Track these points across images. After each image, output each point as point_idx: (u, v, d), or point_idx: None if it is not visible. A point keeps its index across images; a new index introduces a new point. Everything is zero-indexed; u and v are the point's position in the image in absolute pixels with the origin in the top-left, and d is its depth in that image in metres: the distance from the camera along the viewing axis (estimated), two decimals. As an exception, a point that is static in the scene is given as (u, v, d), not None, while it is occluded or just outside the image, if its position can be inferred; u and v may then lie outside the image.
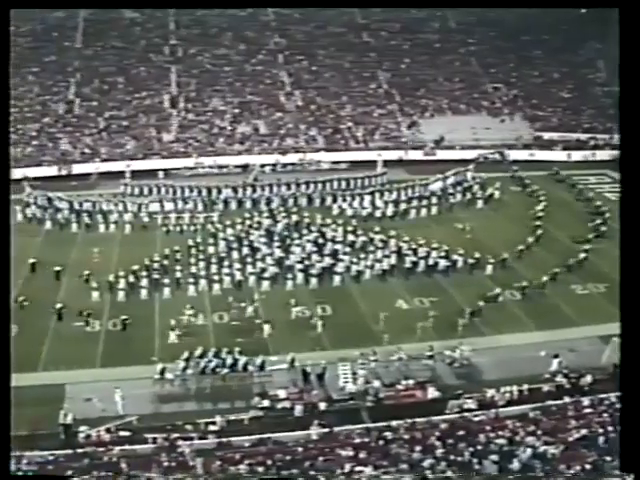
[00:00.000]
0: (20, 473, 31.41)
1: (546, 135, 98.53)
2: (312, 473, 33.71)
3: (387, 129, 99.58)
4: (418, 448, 35.75)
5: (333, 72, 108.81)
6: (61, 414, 40.24)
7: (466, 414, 40.85)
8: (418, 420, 39.32)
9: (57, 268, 59.70)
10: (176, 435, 38.52)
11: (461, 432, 37.58)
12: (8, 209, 25.48)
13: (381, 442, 37.06)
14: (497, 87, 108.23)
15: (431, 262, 60.61)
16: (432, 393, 43.60)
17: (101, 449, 37.23)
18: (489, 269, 59.77)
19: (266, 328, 50.60)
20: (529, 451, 35.23)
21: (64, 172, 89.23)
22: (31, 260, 61.04)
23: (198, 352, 46.45)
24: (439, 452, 35.35)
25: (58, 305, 53.23)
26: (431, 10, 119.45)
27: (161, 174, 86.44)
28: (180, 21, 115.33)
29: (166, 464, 35.08)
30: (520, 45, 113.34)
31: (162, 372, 44.73)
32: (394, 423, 38.97)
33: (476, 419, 40.09)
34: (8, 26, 28.23)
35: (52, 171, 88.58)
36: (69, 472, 33.91)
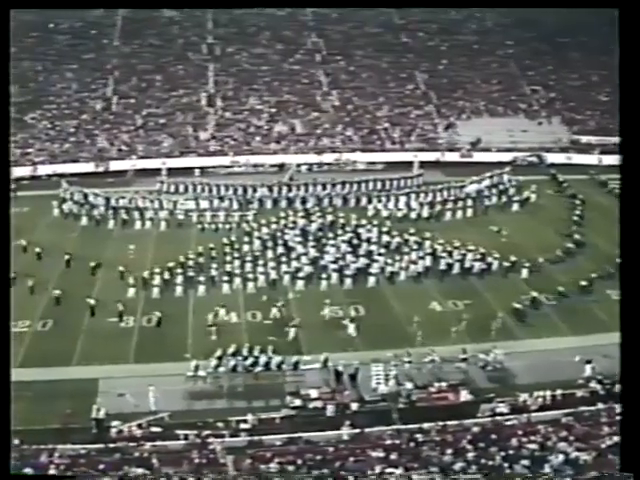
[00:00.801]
0: (20, 473, 31.41)
1: (584, 138, 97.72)
2: (342, 473, 33.62)
3: (424, 130, 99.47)
4: (449, 451, 35.54)
5: (370, 72, 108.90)
6: (94, 409, 40.42)
7: (498, 418, 40.51)
8: (450, 423, 39.06)
9: (92, 264, 60.08)
10: (207, 432, 38.54)
11: (493, 436, 37.31)
12: (8, 209, 25.48)
13: (412, 444, 36.88)
14: (535, 89, 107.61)
15: (466, 265, 60.24)
16: (464, 396, 43.29)
17: (132, 444, 37.30)
18: (524, 273, 59.29)
19: (294, 329, 50.58)
20: (561, 457, 34.90)
21: (101, 169, 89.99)
22: (67, 255, 61.45)
23: (231, 350, 46.51)
24: (470, 455, 35.13)
25: (92, 300, 53.53)
26: (469, 11, 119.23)
27: (197, 172, 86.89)
28: (218, 20, 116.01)
29: (197, 461, 35.13)
30: (558, 47, 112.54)
31: (195, 369, 44.83)
32: (425, 425, 38.73)
33: (508, 423, 39.77)
34: (8, 26, 28.33)
35: (89, 167, 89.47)
36: (100, 466, 34.06)
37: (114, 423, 39.69)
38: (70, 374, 45.53)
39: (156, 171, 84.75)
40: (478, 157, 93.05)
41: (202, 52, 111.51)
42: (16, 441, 36.54)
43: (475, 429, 38.53)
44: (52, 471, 33.33)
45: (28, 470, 32.82)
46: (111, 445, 37.23)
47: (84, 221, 72.18)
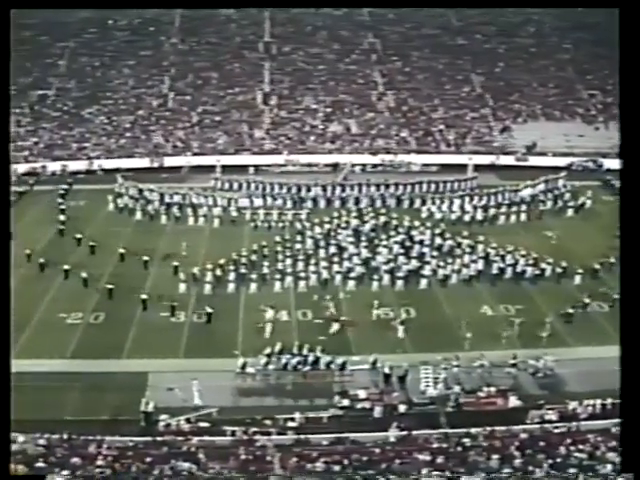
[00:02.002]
0: (20, 473, 31.69)
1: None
2: (388, 475, 33.54)
3: (479, 133, 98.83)
4: (496, 456, 35.32)
5: (426, 74, 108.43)
6: (143, 402, 40.77)
7: (547, 425, 40.17)
8: (498, 428, 38.81)
9: (145, 258, 60.63)
10: (255, 429, 38.70)
11: (541, 443, 37.00)
12: (8, 207, 25.75)
13: (459, 448, 36.71)
14: (592, 94, 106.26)
15: (519, 269, 59.73)
16: (513, 402, 42.98)
17: (180, 438, 37.62)
18: (577, 279, 58.69)
19: (337, 325, 50.66)
20: (609, 467, 34.47)
21: (156, 164, 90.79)
22: (121, 249, 62.07)
23: (280, 348, 46.62)
24: (517, 462, 34.87)
25: (145, 295, 54.02)
26: (527, 14, 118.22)
27: (251, 170, 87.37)
28: (275, 19, 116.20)
29: (243, 457, 35.27)
30: (617, 51, 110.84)
31: (244, 366, 44.98)
32: (473, 430, 38.54)
33: (557, 431, 39.40)
34: (8, 26, 28.53)
35: (144, 163, 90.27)
36: (147, 459, 34.33)
37: (162, 417, 40.04)
38: (120, 367, 46.06)
39: (210, 168, 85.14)
40: (533, 161, 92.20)
41: (259, 50, 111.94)
42: (65, 432, 37.19)
43: (523, 435, 38.23)
44: (99, 462, 33.66)
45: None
46: (159, 439, 37.58)
47: (138, 216, 72.93)
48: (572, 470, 33.99)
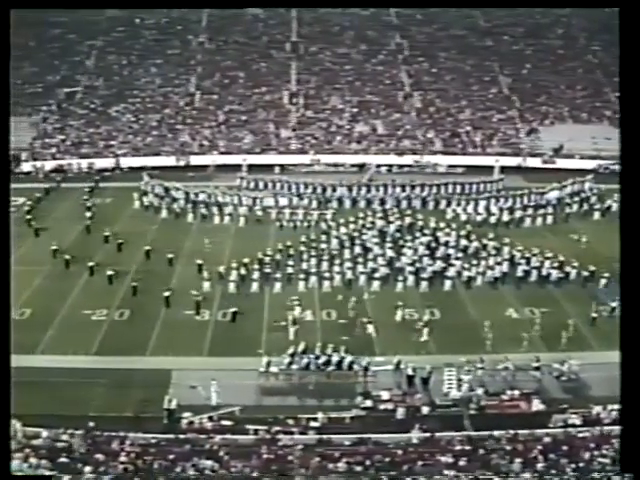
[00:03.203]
0: (21, 473, 31.80)
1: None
2: (410, 477, 33.49)
3: (506, 135, 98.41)
4: (519, 460, 35.16)
5: (453, 75, 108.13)
6: (166, 399, 40.90)
7: (570, 429, 39.94)
8: (521, 432, 38.62)
9: (170, 256, 60.83)
10: (277, 428, 38.72)
11: (564, 447, 36.81)
12: (8, 206, 25.88)
13: (482, 451, 36.57)
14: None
15: (544, 272, 59.44)
16: (537, 405, 42.72)
17: (202, 436, 37.68)
18: (603, 282, 58.32)
19: (370, 328, 50.57)
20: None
21: (182, 163, 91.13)
22: (146, 247, 62.35)
23: (304, 348, 46.65)
24: (540, 466, 34.71)
25: (169, 292, 54.23)
26: (555, 15, 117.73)
27: (277, 169, 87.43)
28: (302, 18, 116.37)
29: (265, 456, 35.30)
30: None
31: (268, 365, 45.00)
32: (496, 433, 38.36)
33: (580, 435, 39.18)
34: (8, 26, 28.56)
35: (170, 161, 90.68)
36: (170, 456, 34.45)
37: (185, 414, 40.15)
38: (144, 364, 46.22)
39: (236, 167, 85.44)
40: (560, 164, 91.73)
41: (285, 50, 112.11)
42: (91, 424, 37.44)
43: (546, 439, 38.04)
44: (122, 458, 33.79)
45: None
46: (181, 436, 37.66)
47: (164, 214, 73.22)
48: (596, 475, 33.85)
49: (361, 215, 70.11)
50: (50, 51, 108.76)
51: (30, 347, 47.27)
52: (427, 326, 50.40)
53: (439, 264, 59.94)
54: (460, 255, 61.79)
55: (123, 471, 32.71)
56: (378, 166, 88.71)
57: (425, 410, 41.96)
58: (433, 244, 63.50)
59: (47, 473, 31.68)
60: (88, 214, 70.51)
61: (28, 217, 70.22)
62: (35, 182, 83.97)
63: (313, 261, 59.95)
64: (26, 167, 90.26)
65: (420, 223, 67.75)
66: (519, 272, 59.40)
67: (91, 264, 58.99)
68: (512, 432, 38.35)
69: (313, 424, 39.86)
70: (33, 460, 32.24)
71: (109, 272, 57.46)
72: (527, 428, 39.07)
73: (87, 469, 32.36)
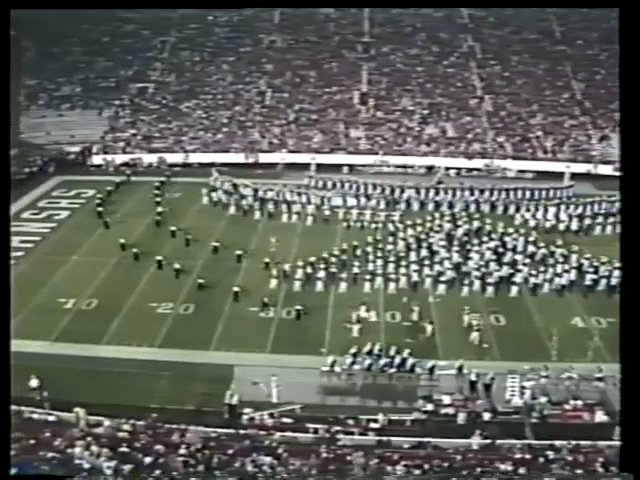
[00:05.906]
0: (20, 473, 31.88)
1: None
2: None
3: (577, 141, 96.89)
4: (579, 471, 34.53)
5: (526, 79, 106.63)
6: (227, 394, 41.04)
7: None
8: (583, 443, 37.94)
9: (238, 252, 61.10)
10: (337, 428, 38.61)
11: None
12: (8, 204, 25.98)
13: (542, 460, 36.00)
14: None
15: (612, 282, 58.30)
16: (600, 417, 42.01)
17: (263, 433, 37.72)
18: (674, 294, 57.07)
19: (429, 329, 50.35)
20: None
21: (251, 160, 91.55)
22: (214, 243, 62.70)
23: (367, 348, 46.48)
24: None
25: (237, 288, 54.50)
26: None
27: (346, 169, 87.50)
28: (374, 19, 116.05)
29: (324, 455, 35.17)
30: None
31: (333, 364, 44.90)
32: (557, 443, 37.72)
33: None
34: (8, 26, 28.67)
35: (239, 158, 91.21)
36: (230, 451, 34.49)
37: (246, 410, 40.27)
38: (207, 358, 46.54)
39: (305, 166, 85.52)
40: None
41: (357, 50, 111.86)
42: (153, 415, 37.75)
43: (608, 452, 37.26)
44: (182, 451, 33.92)
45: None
46: (242, 432, 37.74)
47: (232, 210, 73.58)
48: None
49: (429, 218, 69.65)
50: (123, 46, 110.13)
51: (96, 337, 47.95)
52: (479, 331, 49.92)
53: (506, 269, 59.27)
54: (527, 261, 61.02)
55: (182, 464, 32.81)
56: (447, 169, 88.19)
57: (486, 416, 41.54)
58: (500, 249, 62.81)
59: (107, 464, 31.87)
60: (158, 209, 71.24)
61: (99, 209, 71.20)
62: (105, 175, 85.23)
63: (379, 262, 59.64)
64: (97, 160, 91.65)
65: (488, 227, 67.19)
66: (587, 280, 58.44)
67: (159, 258, 59.53)
68: (574, 442, 37.69)
69: (373, 425, 39.71)
70: (94, 448, 32.49)
71: (176, 266, 57.95)
72: (589, 439, 38.31)
73: (147, 460, 32.54)
